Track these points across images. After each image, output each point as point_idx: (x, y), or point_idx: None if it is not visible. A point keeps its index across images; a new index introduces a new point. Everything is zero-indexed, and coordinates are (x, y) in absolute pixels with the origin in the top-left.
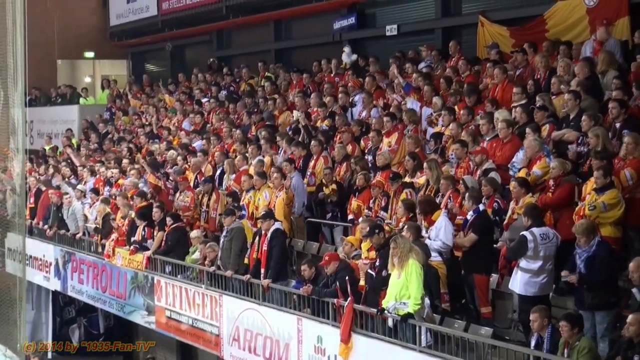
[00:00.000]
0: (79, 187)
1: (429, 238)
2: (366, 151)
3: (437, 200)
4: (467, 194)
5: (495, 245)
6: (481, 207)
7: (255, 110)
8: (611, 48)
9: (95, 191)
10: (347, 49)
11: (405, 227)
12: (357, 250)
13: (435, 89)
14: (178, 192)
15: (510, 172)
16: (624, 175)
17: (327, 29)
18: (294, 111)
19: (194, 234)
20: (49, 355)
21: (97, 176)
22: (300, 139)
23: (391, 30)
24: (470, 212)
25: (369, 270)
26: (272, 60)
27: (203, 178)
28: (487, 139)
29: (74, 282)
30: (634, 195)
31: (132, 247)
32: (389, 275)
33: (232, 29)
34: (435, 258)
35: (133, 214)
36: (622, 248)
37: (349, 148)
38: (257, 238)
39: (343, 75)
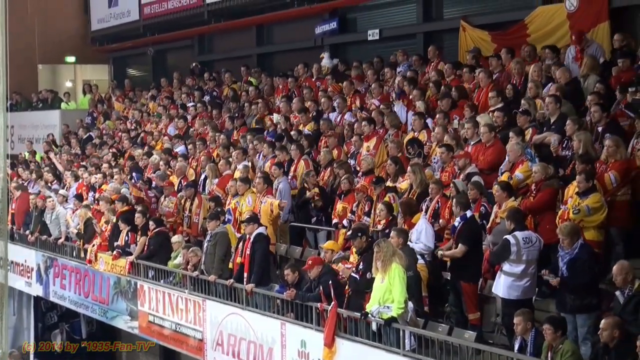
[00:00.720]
0: (61, 192)
1: (410, 241)
2: (348, 155)
3: (425, 205)
4: (454, 200)
5: None
6: (469, 213)
7: (238, 115)
8: (593, 52)
9: (79, 197)
10: (326, 54)
11: (394, 232)
12: (338, 253)
13: (424, 94)
14: (162, 197)
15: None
16: (609, 178)
17: (308, 34)
18: (274, 114)
19: (175, 238)
20: (31, 357)
21: (80, 181)
22: (283, 143)
23: (373, 35)
24: (458, 219)
25: (353, 274)
26: (254, 65)
27: (185, 183)
28: (472, 143)
29: (56, 287)
30: (614, 198)
31: (114, 252)
32: (373, 278)
33: (214, 34)
34: (418, 261)
35: (115, 219)
36: (605, 251)
37: (335, 152)
38: (241, 243)
39: (324, 80)
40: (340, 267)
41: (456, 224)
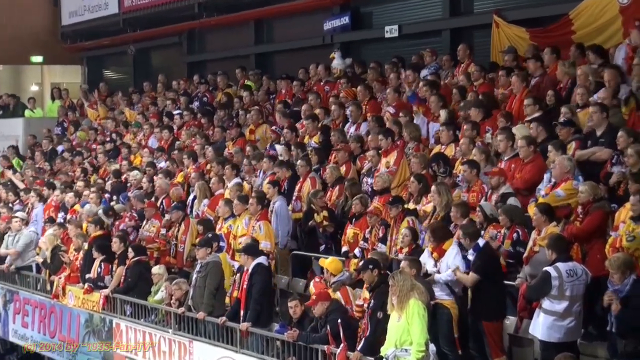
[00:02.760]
0: (19, 214)
1: (438, 272)
2: (363, 172)
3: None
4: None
5: (513, 283)
6: (481, 242)
7: (233, 124)
8: None
9: (51, 220)
10: (337, 54)
11: (405, 261)
12: (339, 276)
13: (444, 100)
14: (144, 220)
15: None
16: None
17: (316, 30)
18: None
19: (155, 269)
20: None
21: (49, 201)
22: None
23: (391, 31)
24: (470, 251)
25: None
26: (252, 66)
27: (173, 204)
28: (505, 158)
29: (17, 325)
30: None
31: (86, 285)
32: (385, 317)
33: (206, 30)
34: (447, 297)
35: (87, 246)
36: None
37: (343, 169)
38: (238, 274)
39: (335, 84)
40: (337, 296)
41: (470, 256)
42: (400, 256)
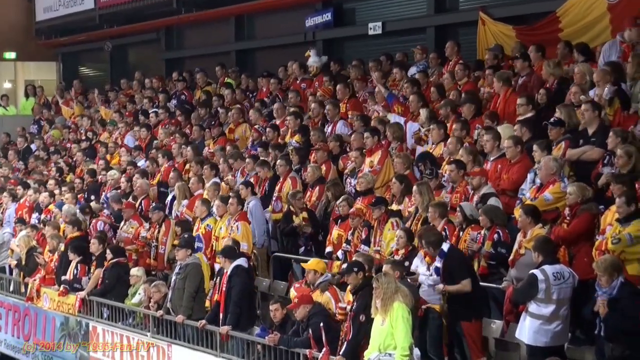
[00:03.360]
0: None
1: (431, 275)
2: (346, 172)
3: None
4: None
5: (497, 286)
6: (445, 247)
7: (214, 122)
8: None
9: (22, 221)
10: (312, 52)
11: (387, 265)
12: (324, 276)
13: (425, 99)
14: (122, 221)
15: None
16: None
17: (298, 27)
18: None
19: (133, 271)
20: None
21: (22, 201)
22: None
23: (374, 28)
24: (437, 259)
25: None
26: (232, 63)
27: (153, 205)
28: (492, 159)
29: None
30: None
31: (62, 287)
32: (367, 320)
33: (185, 26)
34: (439, 301)
35: (63, 247)
36: None
37: (323, 169)
38: (219, 277)
39: (311, 82)
40: (326, 297)
41: (438, 264)
42: (396, 258)
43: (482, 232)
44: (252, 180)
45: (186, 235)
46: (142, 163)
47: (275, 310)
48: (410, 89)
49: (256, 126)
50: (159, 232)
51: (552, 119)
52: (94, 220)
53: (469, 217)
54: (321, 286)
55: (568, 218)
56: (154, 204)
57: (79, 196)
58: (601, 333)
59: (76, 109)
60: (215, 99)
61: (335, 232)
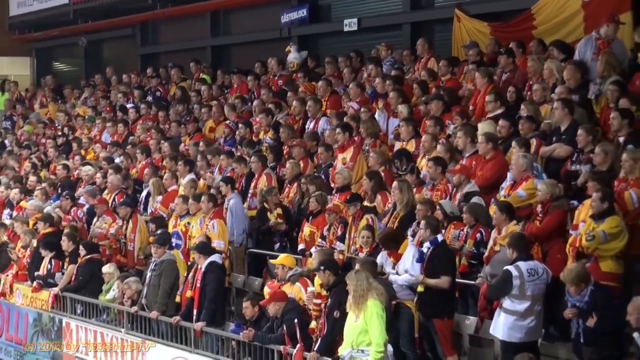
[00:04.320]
0: None
1: (396, 273)
2: (313, 169)
3: (412, 230)
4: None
5: (473, 282)
6: (439, 237)
7: (190, 118)
8: (618, 50)
9: None
10: (293, 47)
11: (358, 264)
12: (294, 270)
13: (405, 96)
14: (95, 217)
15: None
16: (629, 197)
17: (273, 23)
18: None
19: (106, 268)
20: None
21: None
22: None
23: (350, 25)
24: (427, 244)
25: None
26: (207, 60)
27: (121, 200)
28: (466, 155)
29: None
30: (637, 222)
31: (35, 283)
32: (342, 317)
33: (160, 22)
34: (409, 296)
35: (36, 243)
36: (625, 286)
37: (301, 165)
38: (191, 273)
39: (290, 78)
40: (296, 287)
41: (425, 249)
42: (361, 255)
43: (465, 229)
44: (222, 176)
45: (162, 232)
46: (119, 159)
47: (245, 308)
48: (391, 86)
49: (227, 122)
50: (126, 228)
51: (524, 114)
52: (74, 209)
53: (449, 215)
54: (292, 278)
55: (540, 215)
56: (122, 199)
57: (50, 192)
58: (580, 339)
59: (51, 108)
60: (193, 95)
61: (306, 229)
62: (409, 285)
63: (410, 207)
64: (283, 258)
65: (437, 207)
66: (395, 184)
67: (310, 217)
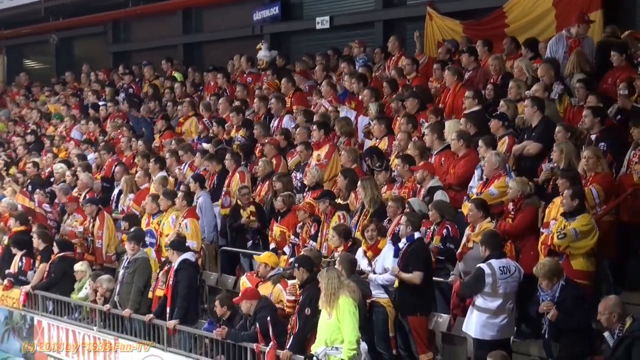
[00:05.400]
0: None
1: (373, 272)
2: (290, 166)
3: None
4: (404, 218)
5: (444, 280)
6: (417, 234)
7: (162, 116)
8: (588, 48)
9: None
10: (264, 45)
11: (337, 260)
12: (276, 269)
13: (377, 94)
14: (66, 214)
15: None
16: (590, 192)
17: (245, 21)
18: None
19: (78, 266)
20: None
21: None
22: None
23: (322, 22)
24: (404, 240)
25: None
26: (179, 57)
27: (86, 198)
28: (435, 152)
29: None
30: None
31: (6, 281)
32: (314, 314)
33: (132, 19)
34: (383, 295)
35: (7, 241)
36: (597, 284)
37: (274, 162)
38: (163, 271)
39: (259, 76)
40: (277, 289)
41: (401, 245)
42: (336, 254)
43: (432, 227)
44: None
45: (136, 229)
46: (92, 157)
47: (216, 307)
48: (358, 84)
49: (204, 119)
50: (93, 226)
51: (496, 112)
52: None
53: (414, 212)
54: (273, 279)
55: (512, 213)
56: (86, 198)
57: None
58: (546, 335)
59: (21, 102)
60: (167, 92)
61: (276, 228)
62: (386, 285)
63: (380, 204)
64: (266, 256)
65: (406, 205)
66: (359, 182)
67: (279, 217)
